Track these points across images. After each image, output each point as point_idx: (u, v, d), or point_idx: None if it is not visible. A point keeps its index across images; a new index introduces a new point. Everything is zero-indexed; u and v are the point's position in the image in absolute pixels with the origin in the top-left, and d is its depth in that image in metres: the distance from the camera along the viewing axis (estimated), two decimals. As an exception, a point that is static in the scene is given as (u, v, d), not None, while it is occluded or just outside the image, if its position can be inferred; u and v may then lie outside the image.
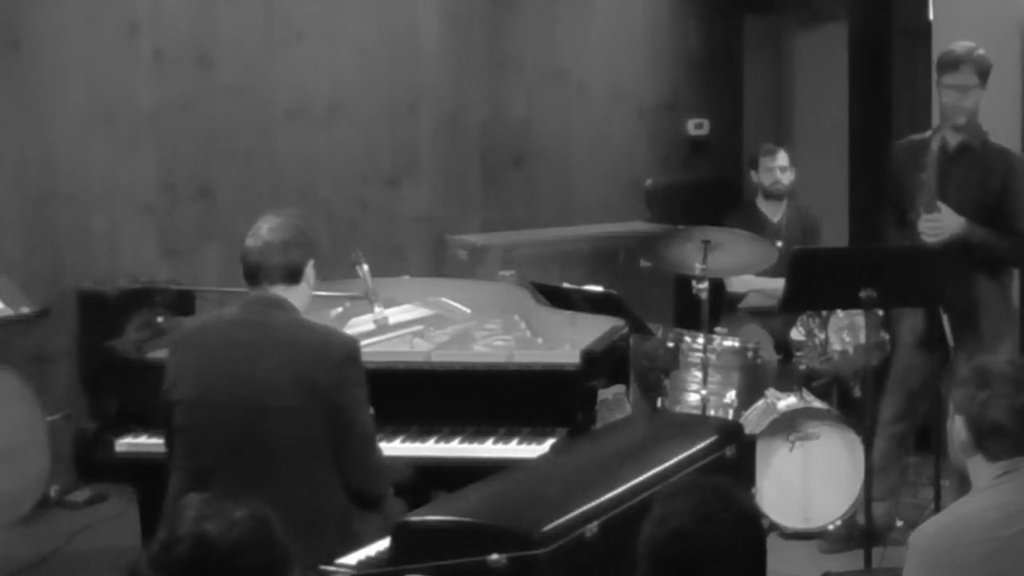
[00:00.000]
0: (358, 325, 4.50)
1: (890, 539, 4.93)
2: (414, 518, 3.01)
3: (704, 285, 5.08)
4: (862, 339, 5.14)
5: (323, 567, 3.07)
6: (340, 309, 4.73)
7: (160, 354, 4.12)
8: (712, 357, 5.28)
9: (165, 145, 6.17)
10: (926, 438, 5.19)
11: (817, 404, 5.31)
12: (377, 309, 4.40)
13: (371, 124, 6.70)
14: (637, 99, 7.55)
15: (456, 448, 4.02)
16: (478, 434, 4.07)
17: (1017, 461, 2.84)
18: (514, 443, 4.00)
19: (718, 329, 5.70)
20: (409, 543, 2.90)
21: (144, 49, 6.08)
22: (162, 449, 3.72)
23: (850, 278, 4.46)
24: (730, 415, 5.28)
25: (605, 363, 4.28)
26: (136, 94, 6.08)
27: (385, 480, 3.63)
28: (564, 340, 4.49)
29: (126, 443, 4.11)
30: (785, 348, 5.67)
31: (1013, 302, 5.10)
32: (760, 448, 4.89)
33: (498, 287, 5.64)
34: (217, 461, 3.42)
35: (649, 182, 7.57)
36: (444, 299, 4.85)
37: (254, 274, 3.59)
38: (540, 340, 4.63)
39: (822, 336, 5.37)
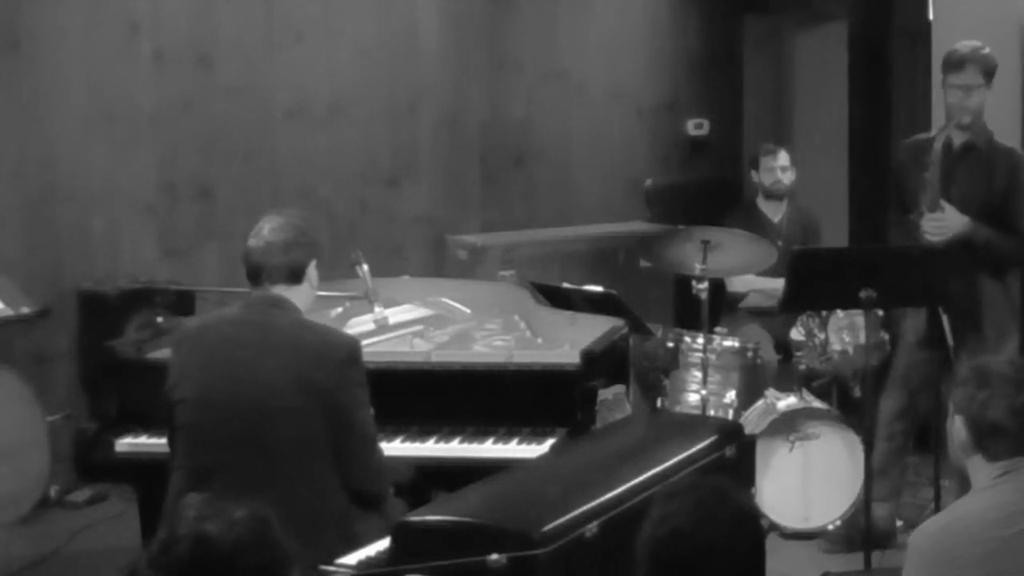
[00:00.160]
0: (358, 325, 4.50)
1: (894, 543, 4.91)
2: (414, 518, 3.01)
3: (704, 285, 5.08)
4: (862, 339, 5.14)
5: (323, 567, 3.07)
6: (340, 309, 4.72)
7: (160, 354, 4.13)
8: (712, 357, 5.28)
9: (165, 145, 6.17)
10: (926, 438, 5.19)
11: (817, 404, 5.31)
12: (377, 309, 4.40)
13: (371, 124, 6.70)
14: (637, 99, 7.56)
15: (456, 448, 4.02)
16: (478, 434, 4.07)
17: (1017, 461, 2.84)
18: (514, 443, 4.01)
19: (718, 329, 5.70)
20: (409, 543, 2.90)
21: (144, 49, 6.08)
22: (162, 449, 3.72)
23: (850, 278, 4.45)
24: (730, 415, 5.28)
25: (605, 363, 4.28)
26: (136, 94, 6.08)
27: (386, 480, 3.63)
28: (564, 340, 4.49)
29: (126, 443, 4.12)
30: (785, 348, 5.67)
31: (1016, 302, 5.10)
32: (760, 448, 4.88)
33: (498, 287, 5.65)
34: (218, 461, 3.42)
35: (649, 182, 7.57)
36: (444, 299, 4.85)
37: (256, 274, 3.59)
38: (540, 340, 4.63)
39: (822, 336, 5.37)
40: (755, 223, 5.91)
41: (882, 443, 5.02)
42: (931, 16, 6.25)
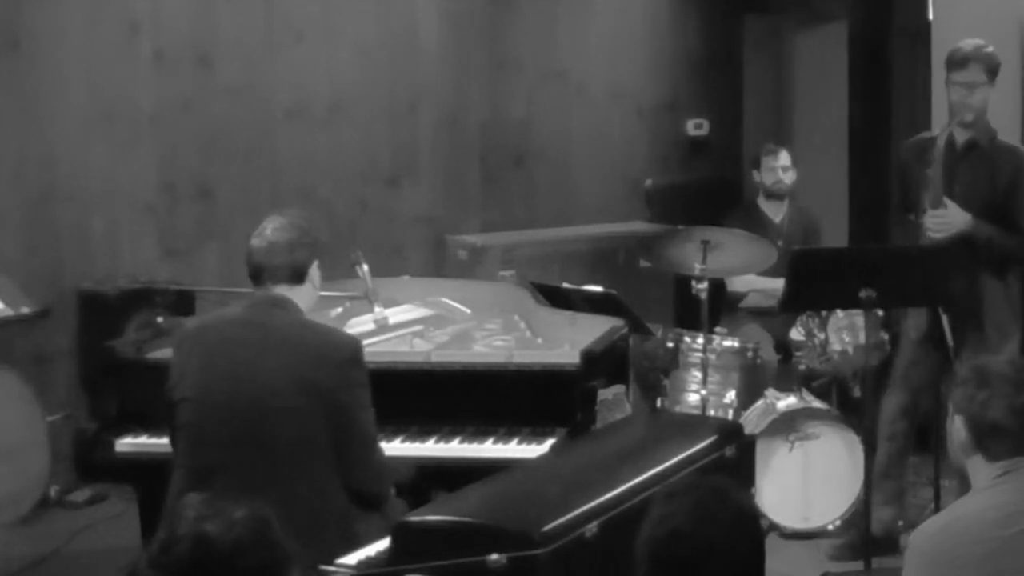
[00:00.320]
0: (358, 325, 4.50)
1: (898, 550, 4.87)
2: (414, 518, 3.01)
3: (704, 285, 5.08)
4: (862, 339, 5.14)
5: (323, 567, 3.07)
6: (340, 309, 4.72)
7: (160, 354, 4.13)
8: (712, 357, 5.28)
9: (165, 145, 6.17)
10: (926, 438, 5.18)
11: (817, 404, 5.31)
12: (377, 309, 4.39)
13: (371, 124, 6.70)
14: (637, 99, 7.56)
15: (456, 448, 4.02)
16: (478, 434, 4.07)
17: (1016, 461, 2.84)
18: (514, 443, 4.01)
19: (718, 329, 5.70)
20: (409, 543, 2.90)
21: (144, 49, 6.08)
22: (161, 449, 3.73)
23: (850, 278, 4.45)
24: (730, 415, 5.28)
25: (605, 363, 4.28)
26: (136, 94, 6.08)
27: (386, 480, 3.63)
28: (564, 340, 4.49)
29: (126, 443, 4.11)
30: (785, 348, 5.67)
31: (1017, 302, 5.09)
32: (760, 448, 4.88)
33: (498, 287, 5.65)
34: (218, 461, 3.42)
35: (649, 182, 7.57)
36: (444, 299, 4.85)
37: (258, 274, 3.59)
38: (540, 340, 4.63)
39: (822, 336, 5.37)
40: (756, 223, 5.91)
41: (884, 444, 5.01)
42: (931, 16, 6.25)
